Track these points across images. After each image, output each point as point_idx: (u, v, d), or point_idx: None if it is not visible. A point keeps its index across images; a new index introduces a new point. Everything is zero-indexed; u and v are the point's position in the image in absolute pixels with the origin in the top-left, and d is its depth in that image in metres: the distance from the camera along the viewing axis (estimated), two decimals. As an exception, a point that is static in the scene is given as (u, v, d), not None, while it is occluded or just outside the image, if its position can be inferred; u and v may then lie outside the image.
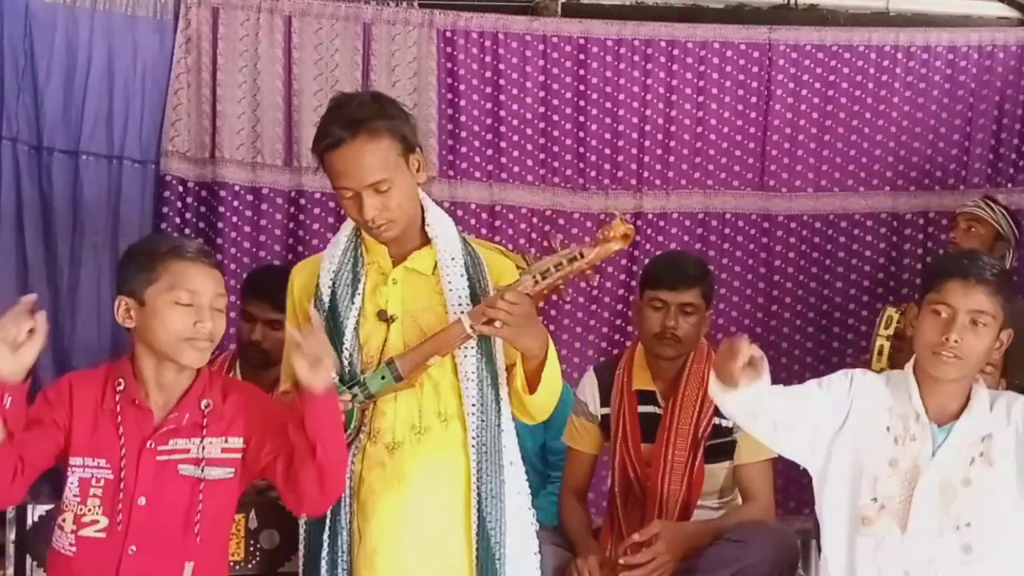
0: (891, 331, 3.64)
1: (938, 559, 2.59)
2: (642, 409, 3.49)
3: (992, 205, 4.30)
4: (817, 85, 4.82)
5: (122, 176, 4.49)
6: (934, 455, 2.61)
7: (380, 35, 4.69)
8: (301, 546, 2.70)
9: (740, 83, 4.81)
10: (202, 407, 2.49)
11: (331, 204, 4.66)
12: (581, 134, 4.79)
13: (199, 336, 2.44)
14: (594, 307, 4.80)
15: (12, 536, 3.31)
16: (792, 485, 4.22)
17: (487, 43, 4.73)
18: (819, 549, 3.03)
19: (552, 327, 4.75)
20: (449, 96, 4.72)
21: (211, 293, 2.47)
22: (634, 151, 4.81)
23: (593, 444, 3.62)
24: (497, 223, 4.77)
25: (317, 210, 4.66)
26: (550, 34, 4.77)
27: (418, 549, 2.61)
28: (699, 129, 4.82)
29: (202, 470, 2.47)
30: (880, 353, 3.60)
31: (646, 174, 4.82)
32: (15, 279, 4.35)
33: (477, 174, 4.75)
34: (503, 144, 4.76)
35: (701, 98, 4.81)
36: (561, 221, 4.80)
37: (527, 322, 2.55)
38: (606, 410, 3.55)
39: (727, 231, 4.83)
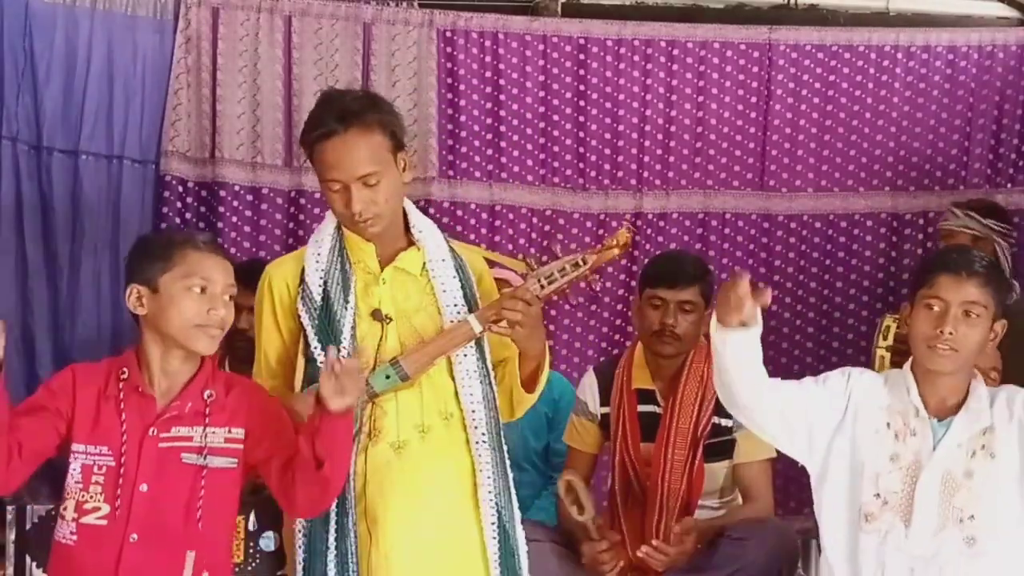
0: (889, 341, 3.66)
1: (942, 552, 2.60)
2: (642, 408, 3.50)
3: (957, 212, 4.27)
4: (817, 85, 4.82)
5: (122, 176, 4.49)
6: (935, 449, 2.62)
7: (380, 35, 4.69)
8: (300, 547, 2.68)
9: (740, 83, 4.81)
10: (205, 397, 2.51)
11: (331, 204, 4.65)
12: (581, 134, 4.79)
13: (211, 323, 2.49)
14: (594, 307, 4.80)
15: (12, 536, 3.31)
16: (792, 485, 4.22)
17: (487, 43, 4.73)
18: (819, 549, 3.04)
19: (552, 327, 4.75)
20: (449, 96, 4.72)
21: (223, 283, 2.52)
22: (634, 151, 4.81)
23: (593, 443, 3.62)
24: (497, 223, 4.77)
25: (317, 210, 4.66)
26: (550, 34, 4.76)
27: (433, 548, 2.61)
28: (699, 129, 4.81)
29: (204, 458, 2.48)
30: (881, 364, 3.61)
31: (646, 174, 4.81)
32: (15, 279, 4.35)
33: (477, 174, 4.75)
34: (503, 144, 4.76)
35: (701, 98, 4.81)
36: (561, 221, 4.80)
37: (537, 323, 2.61)
38: (606, 409, 3.56)
39: (727, 231, 4.83)
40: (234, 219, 4.62)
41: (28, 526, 3.19)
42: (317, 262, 2.69)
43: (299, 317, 2.67)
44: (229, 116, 4.62)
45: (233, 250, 4.56)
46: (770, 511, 3.48)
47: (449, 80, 4.72)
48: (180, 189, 4.58)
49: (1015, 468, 2.61)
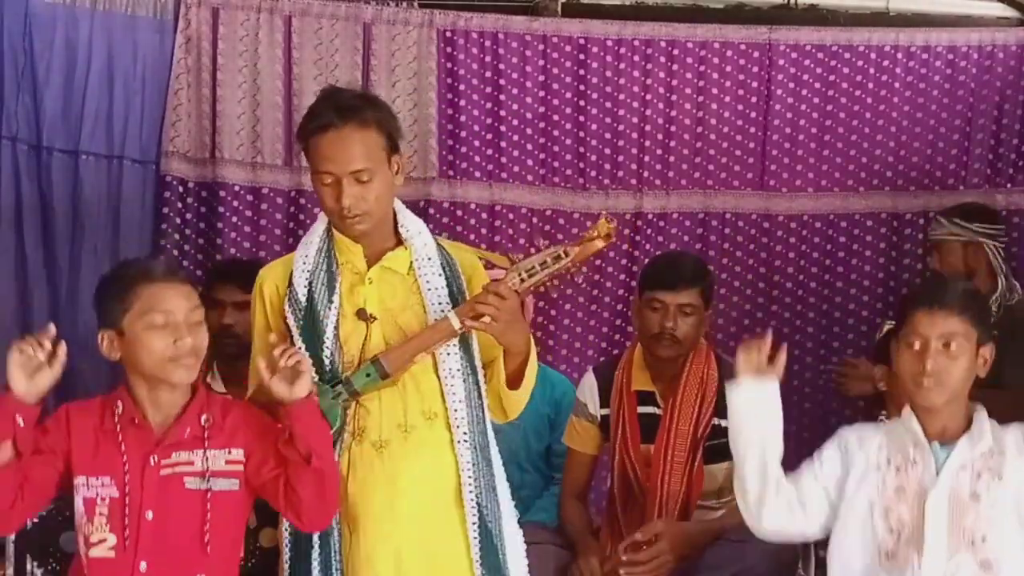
0: None
1: None
2: (641, 410, 3.50)
3: (943, 220, 4.27)
4: (817, 85, 4.81)
5: (122, 176, 4.49)
6: (939, 473, 2.62)
7: (380, 35, 4.69)
8: (286, 547, 2.70)
9: (740, 83, 4.80)
10: (202, 422, 2.51)
11: (331, 204, 4.65)
12: (581, 134, 4.79)
13: (181, 353, 2.47)
14: (594, 307, 4.80)
15: (12, 536, 3.31)
16: (792, 485, 4.21)
17: (487, 43, 4.73)
18: (817, 551, 3.05)
19: (552, 327, 4.76)
20: (449, 96, 4.72)
21: (184, 310, 2.50)
22: (634, 151, 4.81)
23: (593, 445, 3.62)
24: (497, 223, 4.76)
25: (317, 210, 4.58)
26: (550, 34, 4.76)
27: (415, 547, 2.62)
28: (699, 129, 4.81)
29: (207, 481, 2.48)
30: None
31: (646, 174, 4.81)
32: (15, 279, 4.35)
33: (477, 174, 4.74)
34: (503, 144, 4.76)
35: (701, 98, 4.80)
36: (561, 221, 4.79)
37: (514, 318, 2.60)
38: (606, 411, 3.56)
39: (727, 231, 4.82)
40: (234, 219, 4.62)
41: (28, 526, 3.19)
42: (304, 263, 2.71)
43: (286, 318, 2.68)
44: (229, 116, 4.62)
45: (233, 250, 4.57)
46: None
47: (449, 80, 4.71)
48: (180, 189, 4.58)
49: (1019, 490, 2.62)
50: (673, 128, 4.80)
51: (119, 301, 2.49)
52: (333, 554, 2.61)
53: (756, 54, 4.80)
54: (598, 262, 4.65)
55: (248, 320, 3.64)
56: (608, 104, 4.77)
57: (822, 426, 4.63)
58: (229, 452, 2.52)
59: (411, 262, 2.71)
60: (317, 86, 4.61)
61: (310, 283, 2.68)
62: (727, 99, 4.80)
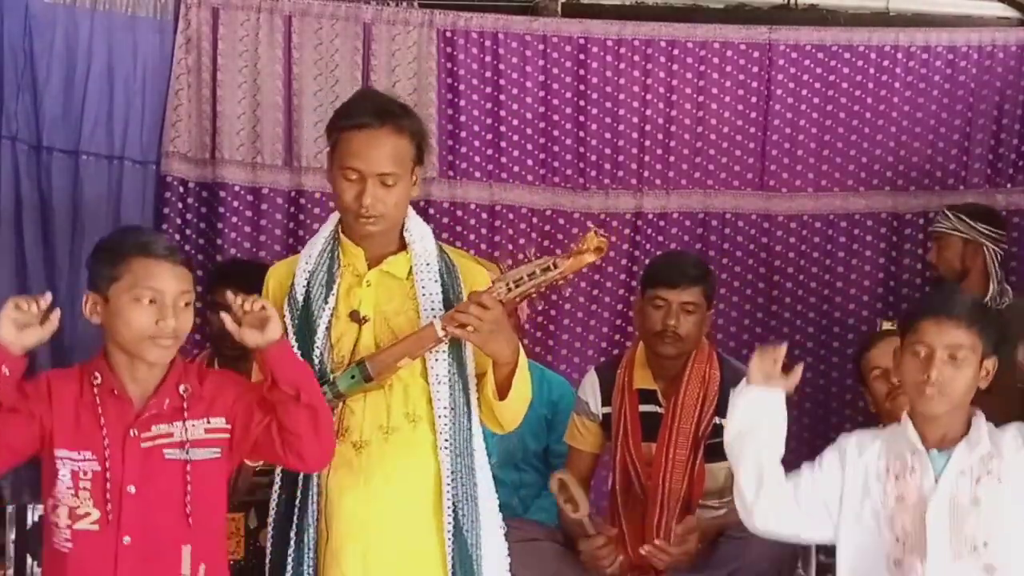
0: None
1: None
2: (643, 408, 3.50)
3: (949, 215, 4.30)
4: (817, 85, 4.82)
5: (122, 176, 4.48)
6: (938, 480, 2.62)
7: (380, 35, 4.69)
8: (269, 540, 2.71)
9: (740, 83, 4.80)
10: (180, 392, 2.49)
11: (331, 204, 4.61)
12: (581, 134, 4.79)
13: (162, 334, 2.45)
14: (594, 307, 4.80)
15: (12, 536, 3.31)
16: (792, 485, 4.21)
17: (487, 43, 4.73)
18: (818, 549, 3.05)
19: (552, 327, 4.76)
20: (449, 96, 4.72)
21: (174, 291, 2.47)
22: (634, 151, 4.81)
23: (594, 443, 3.63)
24: (497, 223, 4.76)
25: (317, 210, 4.66)
26: (550, 34, 4.76)
27: (385, 549, 2.61)
28: (699, 129, 4.81)
29: (187, 452, 2.46)
30: None
31: (646, 174, 4.81)
32: (14, 279, 4.34)
33: (477, 174, 4.74)
34: (503, 144, 4.76)
35: (701, 98, 4.80)
36: (561, 221, 4.80)
37: (498, 328, 2.58)
38: (607, 409, 3.56)
39: (727, 231, 4.82)
40: (234, 219, 4.62)
41: (28, 525, 3.19)
42: (307, 263, 2.71)
43: (285, 317, 2.68)
44: (229, 116, 4.62)
45: (233, 250, 4.57)
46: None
47: (449, 80, 4.72)
48: (181, 190, 4.58)
49: (1021, 495, 2.62)
50: (673, 128, 4.80)
51: (111, 267, 2.46)
52: (307, 551, 2.62)
53: (756, 54, 4.80)
54: (598, 262, 4.65)
55: None
56: (608, 104, 4.78)
57: (823, 426, 4.65)
58: (208, 421, 2.50)
59: (411, 267, 2.71)
60: (317, 86, 4.63)
61: (308, 282, 2.69)
62: (727, 99, 4.81)
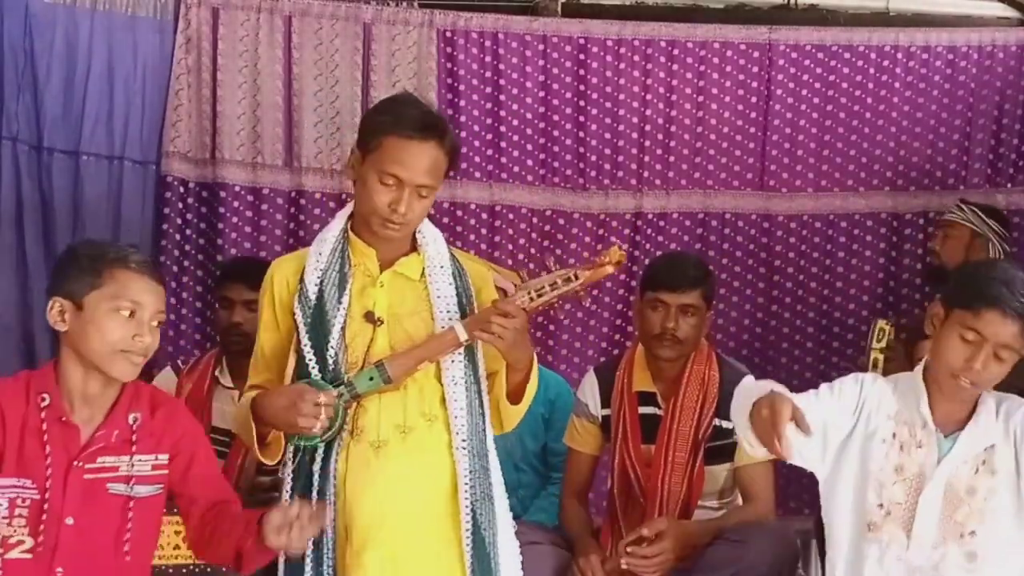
0: (884, 344, 3.70)
1: (943, 565, 2.61)
2: (642, 410, 3.50)
3: (963, 207, 4.35)
4: (817, 85, 4.82)
5: (123, 176, 4.49)
6: (939, 463, 2.62)
7: (380, 35, 4.69)
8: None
9: (740, 83, 4.81)
10: (130, 422, 2.46)
11: (331, 204, 4.66)
12: (581, 134, 4.79)
13: (135, 349, 2.42)
14: (594, 307, 4.80)
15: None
16: (792, 485, 4.22)
17: (487, 43, 4.73)
18: (821, 552, 3.04)
19: (552, 327, 4.76)
20: (449, 96, 4.72)
21: (153, 308, 2.45)
22: (634, 151, 4.81)
23: (594, 445, 3.62)
24: (497, 223, 4.77)
25: (317, 210, 4.66)
26: (550, 34, 4.76)
27: (406, 548, 2.61)
28: (699, 129, 4.81)
29: (131, 488, 2.44)
30: (875, 366, 3.63)
31: (646, 174, 4.81)
32: (15, 279, 4.35)
33: (477, 174, 4.75)
34: (503, 144, 4.76)
35: (701, 98, 4.81)
36: (561, 221, 4.80)
37: (522, 336, 2.62)
38: (607, 411, 3.56)
39: (727, 231, 4.83)
40: (234, 219, 4.62)
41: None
42: (318, 261, 2.70)
43: (295, 314, 2.68)
44: (229, 116, 4.62)
45: (234, 251, 4.57)
46: (770, 512, 3.48)
47: (449, 80, 4.72)
48: (181, 190, 4.59)
49: (1012, 483, 2.62)
50: (673, 128, 4.80)
51: (92, 275, 2.41)
52: (326, 553, 2.60)
53: (756, 54, 4.80)
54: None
55: (256, 319, 3.69)
56: (608, 104, 4.78)
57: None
58: (156, 458, 2.48)
59: (423, 269, 2.72)
60: (317, 86, 4.64)
61: (321, 281, 2.68)
62: (727, 99, 4.81)
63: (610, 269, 2.69)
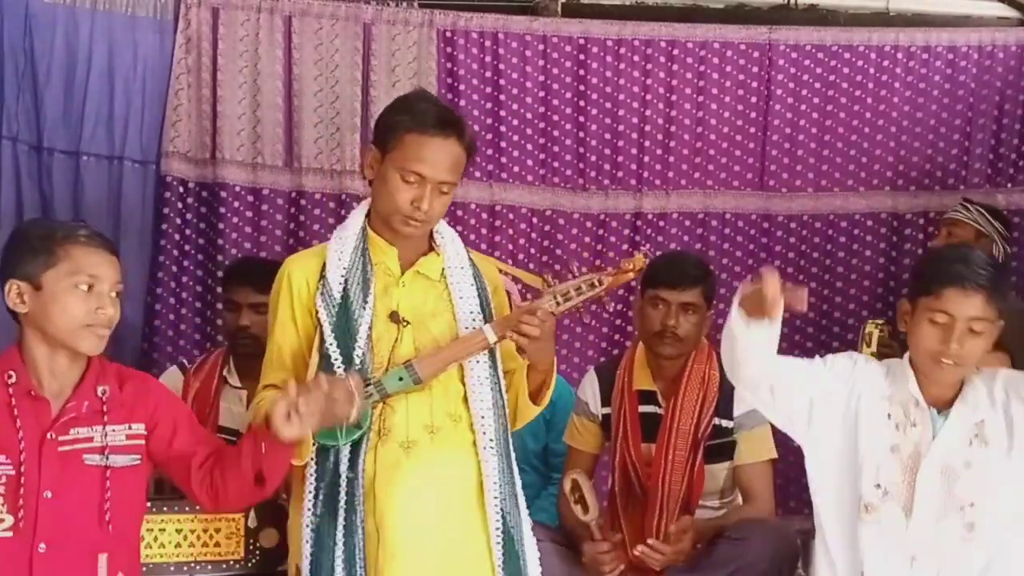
0: (873, 348, 3.72)
1: (943, 540, 2.62)
2: (643, 409, 3.50)
3: (969, 206, 4.35)
4: (817, 85, 4.82)
5: (123, 177, 4.49)
6: (934, 439, 2.64)
7: (380, 35, 4.69)
8: (307, 542, 2.66)
9: (740, 83, 4.81)
10: (99, 394, 2.46)
11: (331, 204, 4.66)
12: (581, 134, 4.79)
13: (98, 322, 2.42)
14: (594, 307, 4.79)
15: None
16: (792, 485, 4.21)
17: (487, 43, 4.73)
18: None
19: (552, 327, 4.75)
20: (449, 96, 4.71)
21: (111, 279, 2.46)
22: (634, 151, 4.81)
23: (594, 443, 3.62)
24: (497, 223, 4.77)
25: (317, 210, 4.66)
26: (550, 34, 4.76)
27: (440, 548, 2.61)
28: (699, 129, 4.82)
29: (107, 458, 2.43)
30: None
31: (646, 174, 4.82)
32: (15, 279, 4.35)
33: (477, 174, 4.74)
34: (503, 144, 4.76)
35: (701, 98, 4.81)
36: (561, 221, 4.80)
37: (549, 338, 2.66)
38: (607, 410, 3.56)
39: (727, 231, 4.83)
40: (235, 220, 4.62)
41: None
42: (339, 260, 2.69)
43: (316, 313, 2.67)
44: (229, 116, 4.62)
45: (234, 251, 4.57)
46: (770, 512, 3.48)
47: (449, 80, 4.72)
48: (181, 190, 4.59)
49: (1004, 450, 2.63)
50: (673, 128, 4.81)
51: (46, 254, 2.41)
52: (357, 551, 2.59)
53: (756, 54, 4.80)
54: (597, 262, 4.67)
55: (264, 321, 3.68)
56: (608, 104, 4.78)
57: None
58: (130, 427, 2.48)
59: (443, 269, 2.73)
60: (317, 86, 4.63)
61: (345, 281, 2.67)
62: (727, 99, 4.81)
63: (632, 275, 2.74)
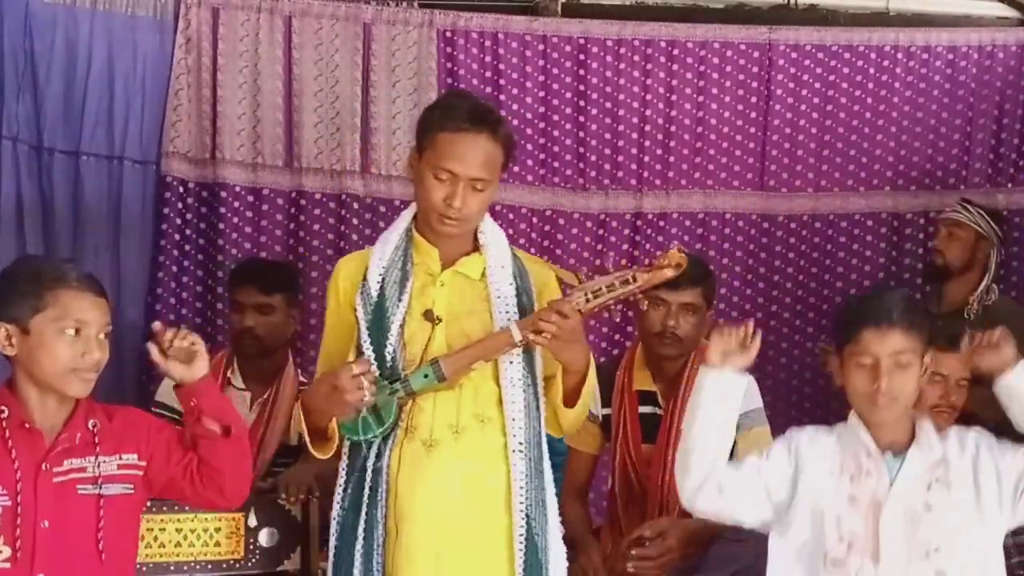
0: None
1: None
2: (643, 409, 3.50)
3: (969, 207, 4.36)
4: (817, 85, 4.82)
5: (123, 177, 4.48)
6: (892, 484, 2.63)
7: (380, 35, 4.69)
8: (334, 534, 2.69)
9: (740, 83, 4.81)
10: (90, 427, 2.48)
11: (331, 204, 4.66)
12: (581, 134, 4.79)
13: (85, 367, 2.44)
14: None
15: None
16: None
17: (487, 43, 4.73)
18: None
19: (552, 327, 4.75)
20: (449, 96, 4.72)
21: (99, 323, 2.46)
22: (634, 151, 4.81)
23: (594, 444, 3.62)
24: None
25: (317, 211, 4.66)
26: (550, 34, 4.76)
27: (457, 550, 2.61)
28: (699, 129, 4.81)
29: (100, 487, 2.45)
30: None
31: (646, 174, 4.81)
32: (15, 280, 4.35)
33: (477, 174, 4.74)
34: (503, 144, 4.76)
35: (701, 98, 4.81)
36: (561, 221, 4.80)
37: (575, 337, 2.60)
38: (607, 410, 3.56)
39: (727, 231, 4.83)
40: (235, 220, 4.61)
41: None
42: (380, 259, 2.71)
43: (356, 310, 2.69)
44: (229, 116, 4.62)
45: (234, 251, 4.57)
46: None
47: (449, 80, 4.71)
48: (181, 190, 4.58)
49: (969, 501, 2.63)
50: (673, 128, 4.80)
51: (33, 298, 2.42)
52: (375, 548, 2.61)
53: (756, 54, 4.80)
54: (597, 262, 4.66)
55: (268, 322, 3.74)
56: (608, 104, 4.78)
57: (823, 424, 4.64)
58: (120, 457, 2.49)
59: (484, 269, 2.72)
60: (317, 86, 4.64)
61: (383, 279, 2.69)
62: (727, 99, 4.81)
63: (670, 273, 2.63)
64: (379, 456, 2.63)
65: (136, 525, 2.58)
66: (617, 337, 4.80)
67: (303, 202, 4.67)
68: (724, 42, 4.80)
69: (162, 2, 4.53)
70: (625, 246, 4.78)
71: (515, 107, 4.74)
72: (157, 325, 2.53)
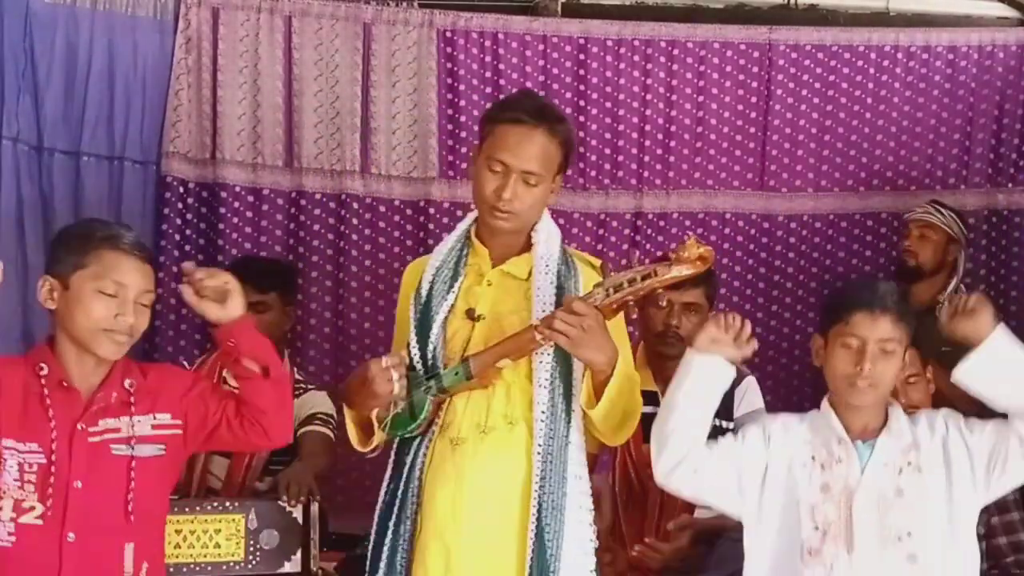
0: None
1: (887, 574, 2.61)
2: (644, 409, 3.49)
3: (941, 209, 4.39)
4: (817, 85, 4.82)
5: (123, 177, 4.49)
6: (863, 471, 2.65)
7: (380, 35, 4.69)
8: (374, 527, 2.71)
9: (740, 83, 4.81)
10: (126, 386, 2.50)
11: (331, 204, 4.66)
12: (581, 134, 4.78)
13: (118, 328, 2.45)
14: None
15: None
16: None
17: (487, 43, 4.73)
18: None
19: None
20: (449, 96, 4.72)
21: (139, 288, 2.48)
22: (634, 151, 4.81)
23: (594, 443, 3.61)
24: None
25: (317, 211, 4.66)
26: (550, 34, 4.76)
27: (468, 547, 2.61)
28: (699, 129, 4.82)
29: (133, 448, 2.46)
30: None
31: (646, 174, 4.81)
32: (16, 280, 4.33)
33: (477, 174, 4.74)
34: (503, 144, 4.75)
35: (701, 98, 4.81)
36: (561, 221, 4.74)
37: (591, 334, 2.52)
38: (607, 410, 3.55)
39: (727, 231, 4.83)
40: (235, 220, 4.61)
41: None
42: (436, 259, 2.76)
43: (410, 309, 2.73)
44: (229, 116, 4.62)
45: (234, 251, 4.57)
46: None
47: (449, 80, 4.72)
48: (181, 190, 4.58)
49: (941, 483, 2.65)
50: (673, 128, 4.80)
51: (78, 254, 2.45)
52: (402, 541, 2.63)
53: (756, 54, 4.80)
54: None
55: (264, 320, 3.74)
56: (608, 104, 4.78)
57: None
58: (155, 417, 2.51)
59: (531, 268, 2.71)
60: (317, 86, 4.63)
61: (434, 278, 2.72)
62: (727, 99, 4.81)
63: (696, 267, 2.54)
64: (415, 452, 2.66)
65: (167, 488, 2.59)
66: (617, 337, 4.79)
67: (303, 202, 4.67)
68: (724, 42, 4.80)
69: (162, 2, 4.53)
70: (625, 246, 4.78)
71: (515, 107, 4.73)
72: (188, 265, 2.53)
